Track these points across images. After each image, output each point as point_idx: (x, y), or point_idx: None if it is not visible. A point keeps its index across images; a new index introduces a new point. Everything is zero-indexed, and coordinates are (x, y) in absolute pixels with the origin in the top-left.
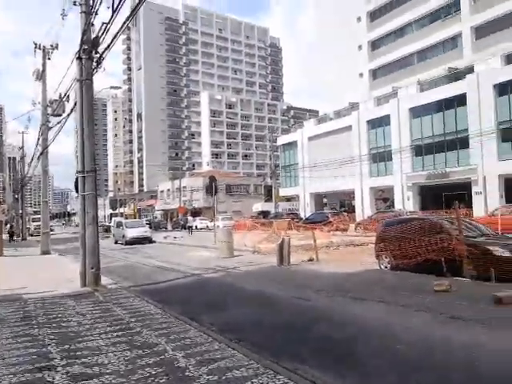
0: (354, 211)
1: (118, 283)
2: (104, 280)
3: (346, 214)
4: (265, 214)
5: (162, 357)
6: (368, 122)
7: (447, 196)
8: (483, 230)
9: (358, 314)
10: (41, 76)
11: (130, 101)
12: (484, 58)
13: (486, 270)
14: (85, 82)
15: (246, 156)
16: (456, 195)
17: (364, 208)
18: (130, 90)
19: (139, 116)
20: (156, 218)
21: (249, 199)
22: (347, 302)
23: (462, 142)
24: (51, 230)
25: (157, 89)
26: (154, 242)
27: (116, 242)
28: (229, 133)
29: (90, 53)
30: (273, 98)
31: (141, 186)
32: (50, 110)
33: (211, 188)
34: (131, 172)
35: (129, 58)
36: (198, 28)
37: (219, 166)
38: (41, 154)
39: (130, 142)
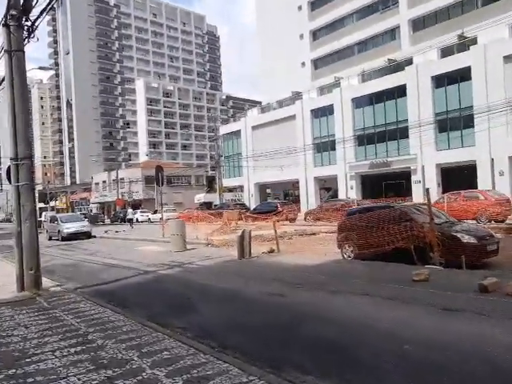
0: (299, 201)
1: (62, 285)
2: (45, 282)
3: (293, 203)
4: (207, 205)
5: (140, 378)
6: (312, 111)
7: (387, 185)
8: (445, 216)
9: (345, 309)
10: None
11: (58, 87)
12: (422, 51)
13: (454, 257)
14: (14, 53)
15: (185, 146)
16: (395, 184)
17: (309, 198)
18: (57, 75)
19: (69, 104)
20: (91, 211)
21: (190, 190)
22: (328, 296)
23: (402, 132)
24: None
25: (87, 75)
26: (94, 236)
27: (50, 238)
28: (167, 122)
29: (19, 19)
30: (212, 88)
31: (73, 177)
32: None
33: (158, 178)
34: (61, 163)
35: (55, 41)
36: (130, 12)
37: (157, 157)
38: None
39: (60, 131)
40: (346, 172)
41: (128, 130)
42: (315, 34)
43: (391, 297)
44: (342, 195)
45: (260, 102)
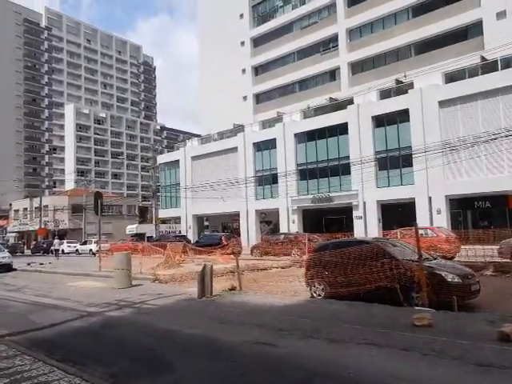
0: (239, 234)
1: None
2: None
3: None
4: (140, 236)
5: None
6: (254, 144)
7: (328, 220)
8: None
9: (359, 365)
10: None
11: None
12: (362, 91)
13: (437, 296)
14: None
15: (115, 175)
16: (336, 219)
17: (249, 231)
18: None
19: None
20: (8, 240)
21: (121, 220)
22: (328, 346)
23: (344, 168)
24: None
25: (11, 96)
26: (15, 269)
27: None
28: (97, 150)
29: None
30: (146, 117)
31: None
32: None
33: (97, 206)
34: None
35: None
36: (63, 36)
37: (86, 185)
38: None
39: None
40: (288, 206)
41: (54, 155)
42: (257, 70)
43: (404, 347)
44: (283, 229)
45: (195, 134)
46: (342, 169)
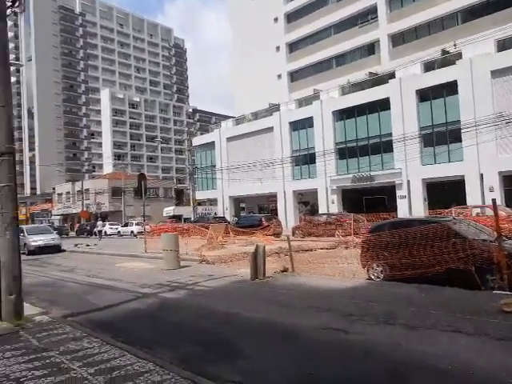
0: (276, 215)
1: (47, 312)
2: (25, 308)
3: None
4: (177, 218)
5: None
6: (290, 123)
7: (368, 200)
8: (489, 232)
9: (455, 355)
10: None
11: (19, 94)
12: (403, 65)
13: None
14: None
15: (150, 158)
16: (377, 199)
17: (287, 212)
18: (18, 82)
19: (30, 112)
20: (53, 223)
21: (158, 203)
22: (408, 333)
23: (386, 146)
24: None
25: (50, 83)
26: (64, 250)
27: None
28: (132, 134)
29: None
30: (178, 100)
31: (33, 188)
32: None
33: (140, 187)
34: (21, 173)
35: (17, 48)
36: (96, 21)
37: (124, 168)
38: None
39: (20, 140)
40: (327, 186)
41: (92, 140)
42: (292, 47)
43: (501, 337)
44: (322, 209)
45: (227, 116)
46: (383, 146)
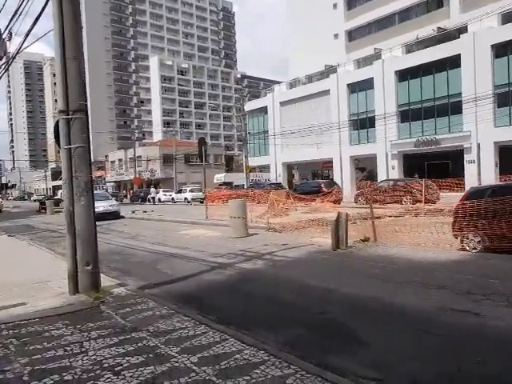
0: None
1: (123, 284)
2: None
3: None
4: (228, 184)
5: None
6: (348, 85)
7: (430, 165)
8: None
9: None
10: None
11: None
12: (476, 18)
13: None
14: None
15: (199, 126)
16: (440, 164)
17: (343, 178)
18: None
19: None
20: (107, 190)
21: (208, 169)
22: None
23: (454, 108)
24: None
25: (101, 51)
26: (123, 217)
27: None
28: (181, 101)
29: None
30: (226, 66)
31: None
32: None
33: (201, 153)
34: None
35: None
36: None
37: (174, 135)
38: None
39: None
40: (387, 151)
41: (142, 108)
42: (350, 3)
43: None
44: (381, 176)
45: (275, 82)
46: (451, 108)
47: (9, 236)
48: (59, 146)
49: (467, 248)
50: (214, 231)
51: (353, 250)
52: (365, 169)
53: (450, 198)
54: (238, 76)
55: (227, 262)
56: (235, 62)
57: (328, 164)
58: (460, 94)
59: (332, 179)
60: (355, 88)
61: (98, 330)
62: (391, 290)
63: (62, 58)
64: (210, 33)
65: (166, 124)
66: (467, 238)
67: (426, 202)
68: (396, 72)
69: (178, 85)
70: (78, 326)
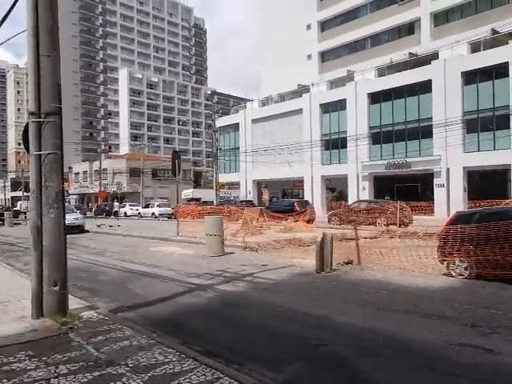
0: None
1: (93, 306)
2: None
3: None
4: (196, 200)
5: None
6: (321, 105)
7: (400, 188)
8: None
9: None
10: None
11: None
12: (447, 45)
13: None
14: None
15: (167, 140)
16: (410, 187)
17: (314, 198)
18: None
19: None
20: (69, 202)
21: (175, 185)
22: None
23: (425, 132)
24: None
25: (69, 61)
26: (88, 231)
27: None
28: (150, 115)
29: None
30: (197, 82)
31: None
32: None
33: (174, 166)
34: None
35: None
36: None
37: (138, 150)
38: None
39: None
40: (358, 172)
41: (109, 120)
42: (324, 25)
43: None
44: (351, 196)
45: (245, 99)
46: (422, 132)
47: None
48: (28, 151)
49: (453, 274)
50: (186, 249)
51: (338, 273)
52: (335, 189)
53: (422, 221)
54: (209, 92)
55: (205, 283)
56: (206, 78)
57: (299, 183)
58: (431, 118)
59: (305, 199)
60: (328, 108)
61: (68, 363)
62: (390, 320)
63: (35, 55)
64: (181, 48)
65: (134, 137)
66: (453, 264)
67: (402, 225)
68: (368, 94)
69: (147, 98)
70: (44, 358)
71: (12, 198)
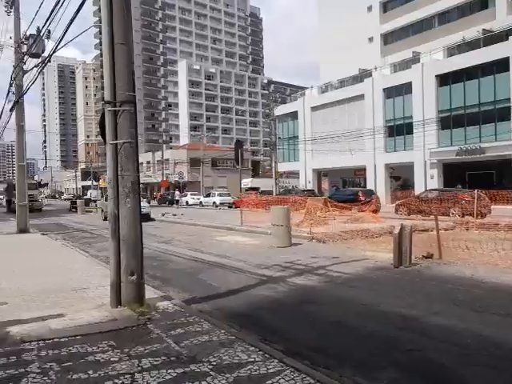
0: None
1: (168, 297)
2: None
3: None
4: (255, 190)
5: None
6: (384, 90)
7: (472, 175)
8: None
9: None
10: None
11: (102, 67)
12: None
13: None
14: None
15: (225, 130)
16: (483, 175)
17: (377, 186)
18: (101, 55)
19: None
20: None
21: (234, 174)
22: None
23: (502, 114)
24: (33, 201)
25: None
26: (153, 219)
27: (105, 219)
28: (208, 105)
29: None
30: (253, 71)
31: None
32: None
33: (237, 155)
34: (104, 143)
35: (100, 21)
36: None
37: (197, 140)
38: (15, 103)
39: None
40: (426, 159)
41: (170, 111)
42: (386, 5)
43: None
44: (418, 185)
45: (302, 87)
46: (498, 114)
47: (42, 235)
48: (104, 140)
49: None
50: (252, 239)
51: (418, 268)
52: (400, 177)
53: (500, 211)
54: (265, 81)
55: (276, 275)
56: (262, 67)
57: (360, 172)
58: (509, 99)
59: (369, 188)
60: (391, 93)
61: (150, 356)
62: (491, 324)
63: (109, 44)
64: (237, 38)
65: (193, 128)
66: None
67: (479, 216)
68: (437, 76)
69: (206, 89)
70: (126, 350)
71: (82, 186)
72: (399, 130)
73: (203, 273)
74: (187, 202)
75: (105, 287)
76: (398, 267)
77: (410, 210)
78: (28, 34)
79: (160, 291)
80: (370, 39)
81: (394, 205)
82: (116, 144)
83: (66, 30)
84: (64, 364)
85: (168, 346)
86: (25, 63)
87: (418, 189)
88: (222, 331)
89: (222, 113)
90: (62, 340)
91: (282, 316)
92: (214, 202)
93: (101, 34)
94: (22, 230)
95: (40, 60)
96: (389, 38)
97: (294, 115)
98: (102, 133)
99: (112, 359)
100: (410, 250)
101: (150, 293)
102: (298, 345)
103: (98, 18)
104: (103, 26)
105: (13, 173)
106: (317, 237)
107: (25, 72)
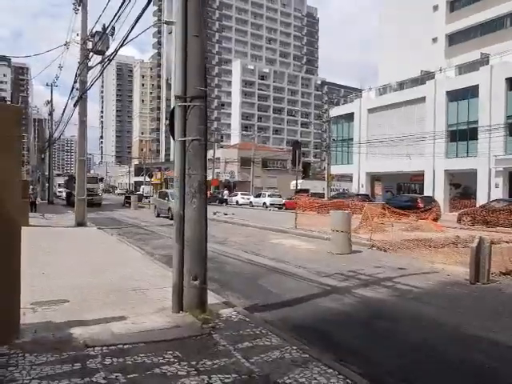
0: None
1: (230, 303)
2: None
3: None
4: (304, 192)
5: None
6: (447, 92)
7: None
8: None
9: None
10: None
11: (159, 66)
12: None
13: None
14: None
15: (276, 131)
16: None
17: (435, 193)
18: (159, 54)
19: (168, 83)
20: None
21: (284, 175)
22: None
23: None
24: (94, 195)
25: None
26: None
27: (158, 215)
28: (260, 105)
29: None
30: (307, 72)
31: (167, 155)
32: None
33: (294, 156)
34: (158, 140)
35: (159, 20)
36: None
37: (248, 140)
38: (78, 98)
39: (158, 108)
40: (491, 167)
41: (222, 110)
42: (453, 5)
43: None
44: (481, 194)
45: (356, 89)
46: None
47: (98, 229)
48: (173, 137)
49: None
50: (308, 243)
51: (498, 285)
52: (460, 185)
53: None
54: (318, 82)
55: (340, 285)
56: (316, 67)
57: (417, 177)
58: None
59: (429, 195)
60: (455, 96)
61: (220, 373)
62: None
63: (183, 35)
64: (292, 38)
65: (244, 128)
66: None
67: None
68: (507, 79)
69: (258, 89)
70: (193, 363)
71: (135, 182)
72: (462, 134)
73: (262, 278)
74: (237, 201)
75: (164, 289)
76: (475, 283)
77: (475, 219)
78: (94, 31)
79: (221, 296)
80: (434, 40)
81: (453, 213)
82: (184, 141)
83: (132, 29)
84: (130, 376)
85: (237, 361)
86: (90, 60)
87: (481, 197)
88: (294, 347)
89: (273, 113)
90: (126, 347)
91: (352, 332)
92: (265, 203)
93: (159, 33)
94: (80, 223)
95: (101, 57)
96: (454, 39)
97: (348, 117)
98: (171, 129)
99: (180, 373)
100: (489, 265)
101: (210, 298)
102: (377, 368)
103: (157, 18)
104: (177, 16)
105: (71, 167)
106: (377, 245)
107: (89, 68)
